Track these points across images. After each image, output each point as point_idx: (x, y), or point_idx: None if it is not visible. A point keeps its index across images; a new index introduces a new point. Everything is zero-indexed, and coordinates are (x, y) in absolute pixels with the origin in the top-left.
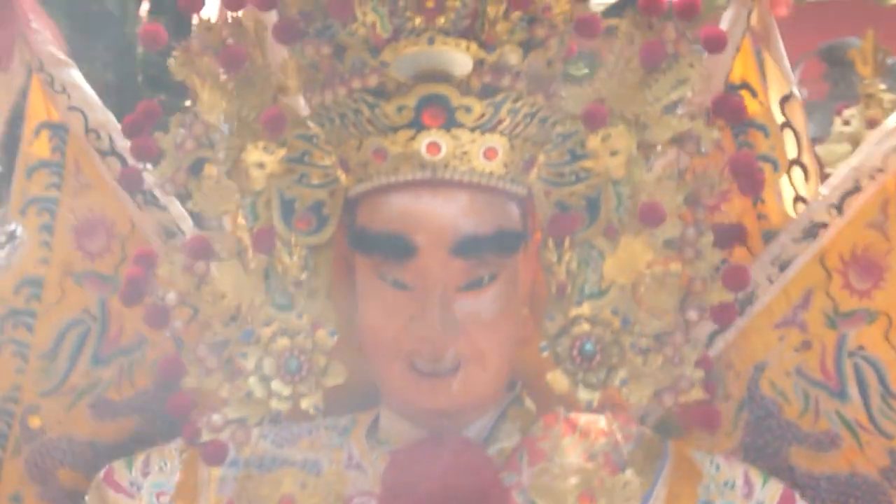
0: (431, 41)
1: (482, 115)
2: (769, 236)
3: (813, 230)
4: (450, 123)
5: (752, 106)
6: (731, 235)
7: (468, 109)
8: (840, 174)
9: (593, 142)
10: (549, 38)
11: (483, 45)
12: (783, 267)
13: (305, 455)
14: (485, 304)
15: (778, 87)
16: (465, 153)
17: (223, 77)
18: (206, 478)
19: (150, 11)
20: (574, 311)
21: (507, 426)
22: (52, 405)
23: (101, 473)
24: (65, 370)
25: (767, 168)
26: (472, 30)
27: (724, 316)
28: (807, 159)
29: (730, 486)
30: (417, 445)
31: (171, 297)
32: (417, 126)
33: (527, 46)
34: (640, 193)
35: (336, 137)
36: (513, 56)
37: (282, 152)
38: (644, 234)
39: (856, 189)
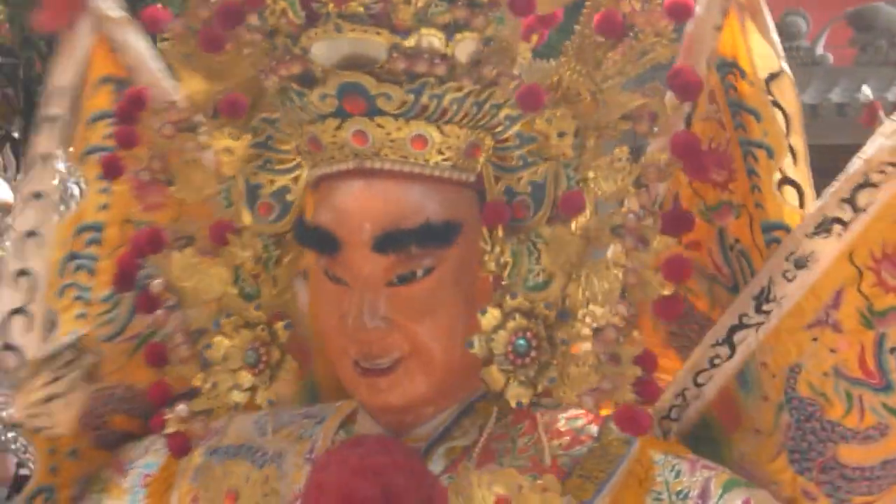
0: (339, 29)
1: (403, 103)
2: (767, 227)
3: (826, 225)
4: (372, 111)
5: (742, 88)
6: (678, 222)
7: (388, 97)
8: (852, 166)
9: (540, 124)
10: (472, 18)
11: (395, 30)
12: (799, 264)
13: (278, 446)
14: (421, 298)
15: (765, 64)
16: (393, 141)
17: (204, 60)
18: (185, 465)
19: None
20: (509, 304)
21: (467, 423)
22: (113, 351)
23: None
24: (126, 316)
25: (762, 155)
26: (385, 15)
27: (666, 310)
28: (795, 141)
29: (682, 497)
30: (339, 446)
31: (158, 283)
32: (342, 114)
33: (450, 29)
34: (592, 178)
35: (289, 123)
36: (433, 40)
37: (248, 138)
38: (582, 221)
39: (866, 183)
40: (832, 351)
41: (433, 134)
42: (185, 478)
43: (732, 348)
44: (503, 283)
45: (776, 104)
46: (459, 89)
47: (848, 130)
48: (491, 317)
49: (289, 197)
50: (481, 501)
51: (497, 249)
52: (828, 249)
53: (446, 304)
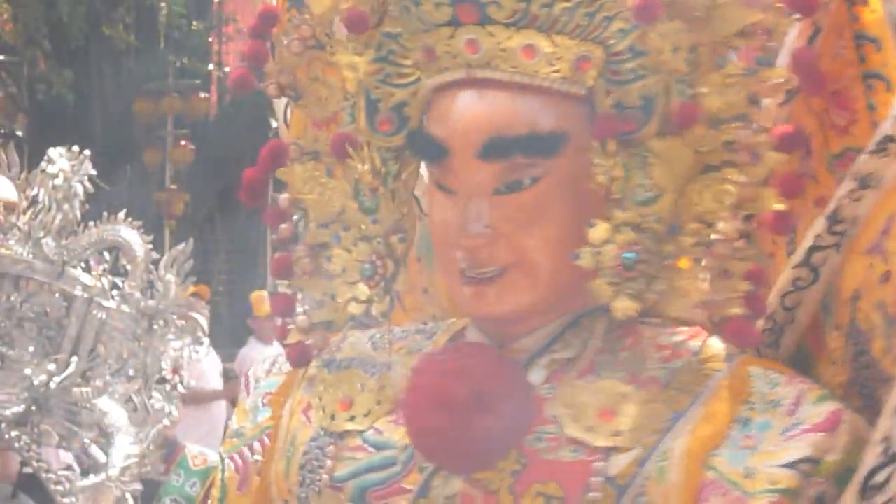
0: None
1: (515, 11)
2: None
3: (883, 144)
4: (484, 19)
5: (865, 15)
6: (791, 140)
7: (499, 5)
8: None
9: (653, 38)
10: None
11: None
12: (863, 183)
13: (387, 358)
14: (527, 207)
15: None
16: (503, 50)
17: None
18: (300, 377)
19: None
20: (620, 217)
21: (570, 336)
22: None
23: None
24: None
25: (881, 87)
26: None
27: (779, 226)
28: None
29: (775, 405)
30: (437, 351)
31: (284, 197)
32: (455, 23)
33: None
34: (705, 93)
35: (409, 35)
36: None
37: (370, 53)
38: (694, 135)
39: None
40: (880, 282)
41: (543, 44)
42: (299, 388)
43: (814, 271)
44: (613, 196)
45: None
46: (570, 0)
47: None
48: (600, 229)
49: (406, 110)
50: (584, 411)
51: (608, 162)
52: (890, 170)
53: (553, 214)
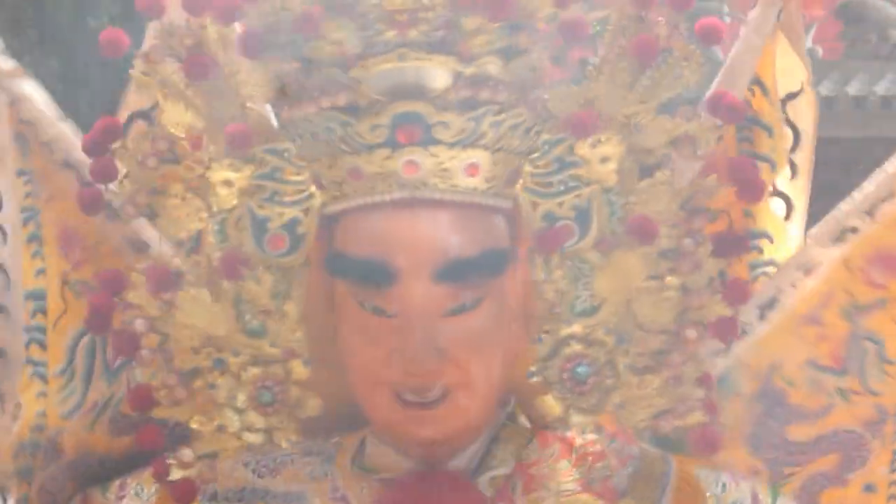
0: (403, 58)
1: (462, 131)
2: (753, 236)
3: (843, 236)
4: (427, 141)
5: (760, 104)
6: (730, 245)
7: (446, 125)
8: (875, 180)
9: (582, 148)
10: (531, 45)
11: (460, 58)
12: (808, 272)
13: (288, 487)
14: (472, 328)
15: (787, 81)
16: (444, 170)
17: (187, 87)
18: None
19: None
20: (565, 331)
21: (499, 450)
22: (74, 426)
23: (77, 500)
24: (82, 388)
25: (765, 168)
26: (446, 42)
27: (724, 331)
28: (801, 158)
29: None
30: (407, 482)
31: (140, 323)
32: (393, 145)
33: (507, 54)
34: (634, 202)
35: (308, 153)
36: (492, 67)
37: (250, 169)
38: (638, 246)
39: (890, 196)
40: (811, 344)
41: (487, 161)
42: None
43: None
44: (554, 310)
45: (788, 122)
46: (517, 115)
47: (835, 124)
48: (545, 345)
49: (300, 229)
50: None
51: (556, 275)
52: (829, 256)
53: (493, 333)
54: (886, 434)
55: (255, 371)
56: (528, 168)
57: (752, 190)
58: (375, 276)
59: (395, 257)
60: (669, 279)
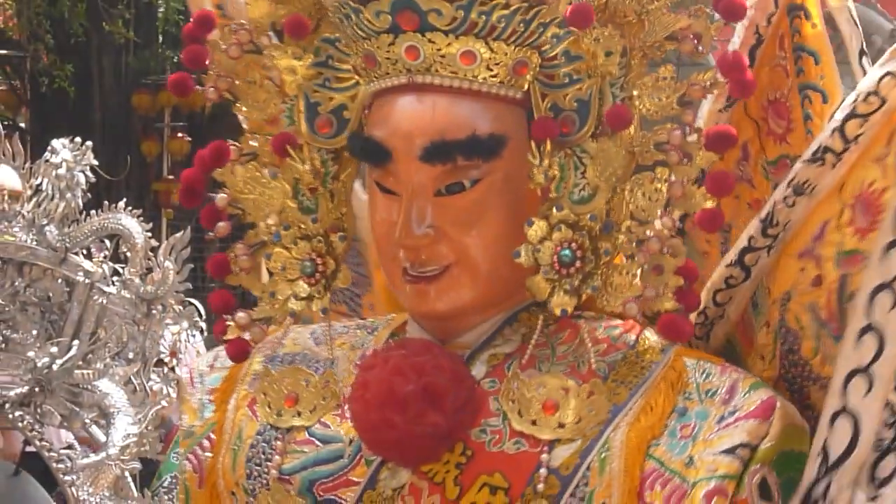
0: None
1: (454, 19)
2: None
3: (819, 153)
4: (424, 27)
5: (805, 29)
6: (721, 140)
7: (439, 13)
8: (847, 97)
9: (587, 42)
10: None
11: None
12: (797, 191)
13: (332, 353)
14: (467, 208)
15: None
16: (443, 56)
17: None
18: (245, 372)
19: None
20: (556, 216)
21: (509, 332)
22: None
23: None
24: None
25: (817, 98)
26: None
27: (709, 223)
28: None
29: (711, 394)
30: (384, 348)
31: (221, 197)
32: (395, 30)
33: None
34: (637, 96)
35: (348, 41)
36: None
37: (309, 57)
38: (628, 136)
39: (853, 113)
40: (812, 285)
41: (481, 50)
42: (244, 383)
43: (746, 270)
44: (550, 195)
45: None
46: (507, 6)
47: None
48: (537, 228)
49: (346, 114)
50: (529, 405)
51: (545, 163)
52: (825, 179)
53: (492, 215)
54: None
55: (303, 244)
56: (537, 60)
57: (741, 85)
58: (375, 155)
59: (389, 139)
60: (660, 170)
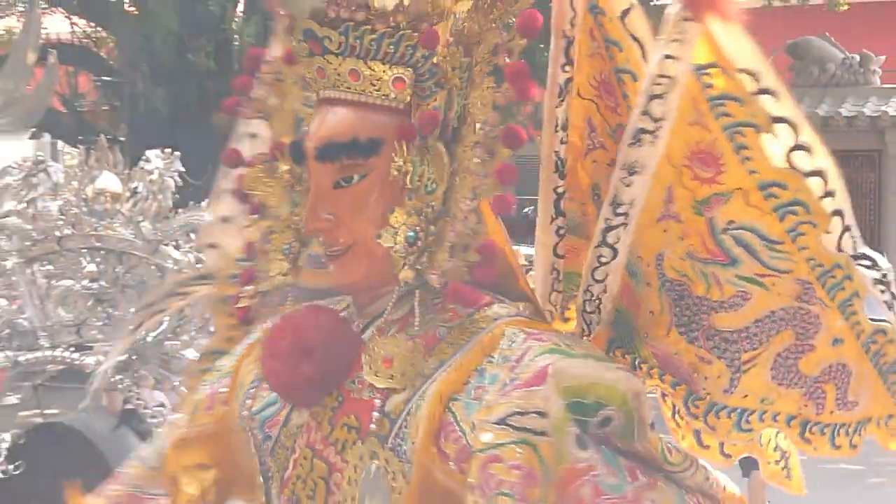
0: None
1: (340, 43)
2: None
3: (636, 136)
4: (324, 51)
5: (606, 23)
6: (512, 138)
7: (330, 39)
8: (643, 82)
9: (440, 59)
10: None
11: None
12: (631, 171)
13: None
14: (357, 198)
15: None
16: (339, 75)
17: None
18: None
19: (244, 12)
20: (408, 205)
21: (403, 303)
22: None
23: None
24: None
25: (627, 78)
26: None
27: (499, 206)
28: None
29: (506, 360)
30: (287, 312)
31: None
32: (310, 53)
33: None
34: (469, 104)
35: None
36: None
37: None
38: (463, 143)
39: (652, 95)
40: (681, 238)
41: (363, 69)
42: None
43: (612, 248)
44: (406, 186)
45: (633, 37)
46: (373, 31)
47: None
48: (396, 214)
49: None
50: (373, 358)
51: (398, 160)
52: (649, 156)
53: (378, 203)
54: (821, 297)
55: (288, 232)
56: (410, 76)
57: (523, 92)
58: (297, 156)
59: (305, 142)
60: (474, 165)
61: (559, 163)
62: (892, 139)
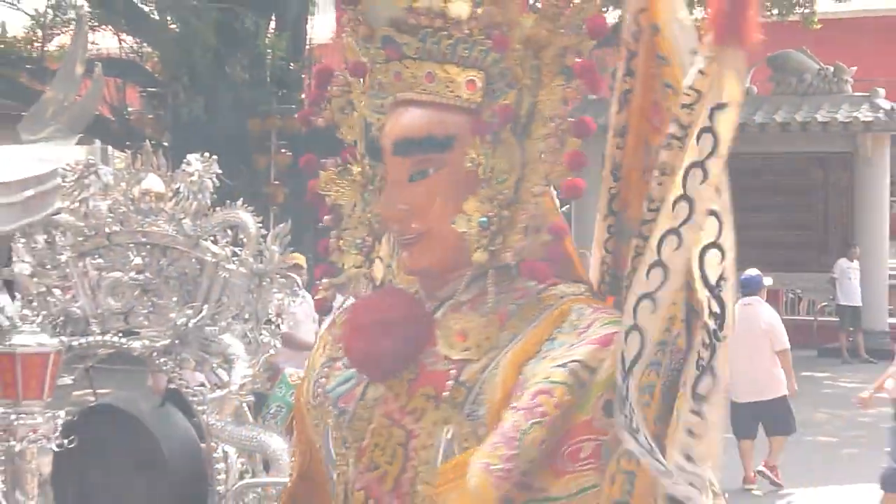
0: None
1: (417, 49)
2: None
3: (668, 140)
4: (402, 56)
5: (659, 41)
6: (582, 129)
7: (409, 45)
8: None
9: (511, 62)
10: None
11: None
12: (663, 172)
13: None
14: (431, 190)
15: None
16: (415, 78)
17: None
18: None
19: (275, 29)
20: (482, 193)
21: (473, 286)
22: None
23: None
24: None
25: (670, 93)
26: None
27: (569, 191)
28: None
29: (574, 328)
30: (365, 295)
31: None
32: (388, 60)
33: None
34: (539, 100)
35: (377, 73)
36: (435, 1)
37: (366, 93)
38: (532, 136)
39: (683, 105)
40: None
41: (438, 71)
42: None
43: (645, 239)
44: (480, 177)
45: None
46: (450, 37)
47: (766, 142)
48: (472, 202)
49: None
50: (447, 333)
51: (472, 153)
52: (677, 158)
53: (451, 194)
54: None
55: (362, 228)
56: (482, 78)
57: (593, 85)
58: (374, 152)
59: (380, 140)
60: (547, 155)
61: (615, 166)
62: (863, 142)
